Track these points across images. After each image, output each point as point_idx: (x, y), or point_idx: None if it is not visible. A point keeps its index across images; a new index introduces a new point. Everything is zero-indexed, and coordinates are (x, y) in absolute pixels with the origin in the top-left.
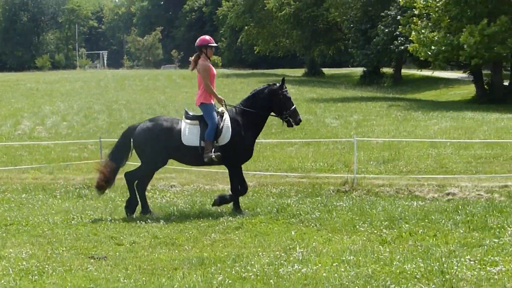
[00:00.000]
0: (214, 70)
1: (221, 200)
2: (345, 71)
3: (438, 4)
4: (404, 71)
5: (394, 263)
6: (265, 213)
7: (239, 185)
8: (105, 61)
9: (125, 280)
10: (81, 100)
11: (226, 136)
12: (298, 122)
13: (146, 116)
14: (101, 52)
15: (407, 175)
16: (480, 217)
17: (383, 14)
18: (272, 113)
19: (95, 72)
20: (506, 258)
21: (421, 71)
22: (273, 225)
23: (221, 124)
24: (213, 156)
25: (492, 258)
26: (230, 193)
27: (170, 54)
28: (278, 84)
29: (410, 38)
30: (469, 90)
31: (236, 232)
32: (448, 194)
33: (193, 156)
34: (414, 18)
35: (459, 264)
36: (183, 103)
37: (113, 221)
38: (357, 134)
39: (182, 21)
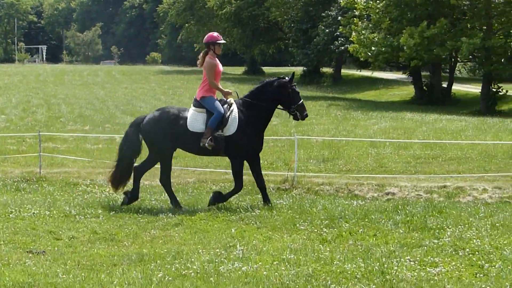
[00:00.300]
0: (221, 67)
1: (216, 198)
2: (285, 70)
3: (378, 6)
4: (344, 71)
5: (335, 262)
6: (205, 210)
7: (240, 180)
8: (44, 56)
9: (64, 276)
10: (20, 94)
11: (232, 126)
12: (304, 116)
13: (85, 111)
14: (40, 46)
15: (346, 174)
16: (419, 217)
17: (324, 14)
18: (279, 106)
19: (34, 66)
20: (446, 259)
21: (360, 71)
22: (213, 222)
23: (228, 114)
24: (207, 144)
25: (432, 259)
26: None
27: (109, 50)
28: (287, 78)
29: (351, 38)
30: (408, 91)
31: (176, 228)
32: (387, 193)
33: (197, 144)
34: (355, 19)
35: (399, 265)
36: (122, 98)
37: (51, 215)
38: (297, 132)
39: (122, 18)
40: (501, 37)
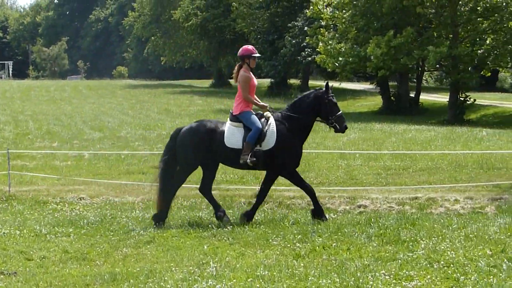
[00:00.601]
0: (255, 81)
1: (249, 217)
2: None
3: (345, 16)
4: (311, 82)
5: (309, 278)
6: (176, 226)
7: (305, 184)
8: (10, 72)
9: None
10: None
11: (270, 140)
12: (344, 128)
13: (53, 127)
14: (6, 62)
15: (317, 187)
16: (392, 230)
17: (290, 25)
18: (318, 118)
19: (0, 82)
20: (421, 272)
21: (328, 82)
22: (185, 239)
23: (266, 128)
24: (249, 160)
25: (406, 272)
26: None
27: (76, 65)
28: (323, 89)
29: (318, 49)
30: (376, 102)
31: (148, 246)
32: (359, 206)
33: (234, 159)
34: (321, 29)
35: (374, 279)
36: (90, 113)
37: (22, 235)
38: None
39: (88, 31)
40: (467, 45)
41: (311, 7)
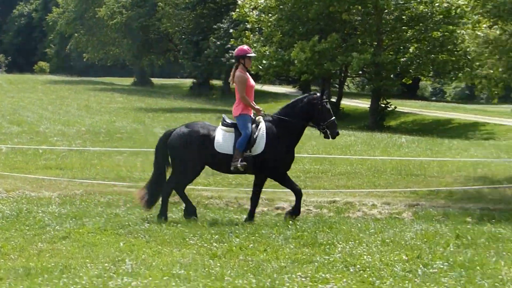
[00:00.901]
0: (252, 81)
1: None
2: (174, 81)
3: (270, 19)
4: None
5: (225, 278)
6: (93, 222)
7: (294, 186)
8: None
9: None
10: None
11: (260, 145)
12: (335, 135)
13: None
14: None
15: (236, 187)
16: (310, 232)
17: (215, 26)
18: (311, 123)
19: None
20: (337, 275)
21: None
22: (101, 235)
23: (256, 133)
24: (239, 165)
25: (323, 275)
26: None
27: None
28: (318, 94)
29: None
30: None
31: (63, 242)
32: (277, 208)
33: (225, 165)
34: (247, 31)
35: (290, 281)
36: (9, 108)
37: None
38: None
39: (10, 26)
40: (391, 53)
41: (237, 10)
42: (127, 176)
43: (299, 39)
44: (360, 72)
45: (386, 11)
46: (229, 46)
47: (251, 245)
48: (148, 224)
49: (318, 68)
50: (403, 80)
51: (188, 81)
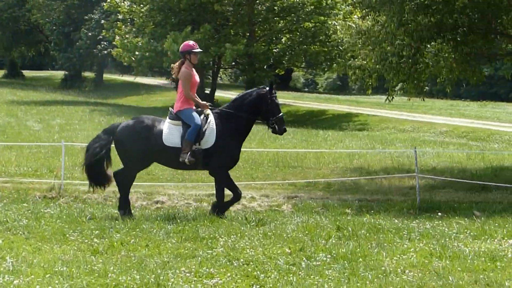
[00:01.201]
0: (197, 77)
1: (214, 209)
2: (46, 74)
3: (142, 10)
4: (106, 75)
5: (109, 274)
6: None
7: (225, 192)
8: None
9: None
10: None
11: (210, 139)
12: (282, 131)
13: None
14: None
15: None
16: (191, 227)
17: (87, 17)
18: (259, 118)
19: None
20: (221, 270)
21: (123, 76)
22: None
23: (205, 127)
24: (187, 160)
25: (207, 270)
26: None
27: None
28: (267, 88)
29: (114, 42)
30: (171, 97)
31: None
32: (156, 202)
33: (174, 158)
34: (118, 22)
35: (175, 276)
36: None
37: None
38: (61, 138)
39: None
40: (263, 44)
41: (108, 0)
42: (2, 171)
43: (172, 30)
44: (233, 63)
45: (257, 1)
46: (100, 37)
47: (133, 240)
48: (26, 220)
49: None
50: (276, 71)
51: (60, 73)
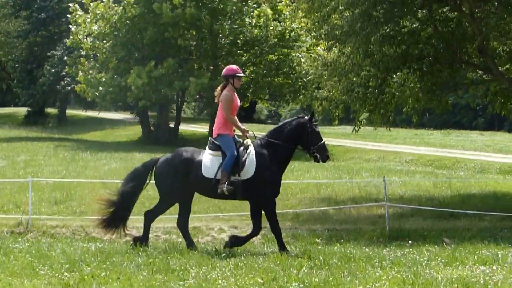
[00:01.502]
0: (238, 101)
1: (233, 242)
2: (8, 110)
3: (105, 46)
4: (70, 111)
5: None
6: None
7: (276, 222)
8: None
9: None
10: None
11: (250, 169)
12: (325, 158)
13: None
14: None
15: (81, 216)
16: (162, 259)
17: (49, 54)
18: (300, 147)
19: None
20: None
21: (86, 111)
22: None
23: (245, 157)
24: (225, 189)
25: None
26: (243, 235)
27: None
28: (307, 117)
29: (77, 78)
30: (135, 131)
31: None
32: (125, 235)
33: (213, 189)
34: (82, 58)
35: None
36: None
37: None
38: (26, 174)
39: None
40: None
41: (71, 37)
42: None
43: (135, 65)
44: (198, 96)
45: (220, 35)
46: (63, 73)
47: (103, 273)
48: None
49: (155, 94)
50: (240, 104)
51: (23, 110)
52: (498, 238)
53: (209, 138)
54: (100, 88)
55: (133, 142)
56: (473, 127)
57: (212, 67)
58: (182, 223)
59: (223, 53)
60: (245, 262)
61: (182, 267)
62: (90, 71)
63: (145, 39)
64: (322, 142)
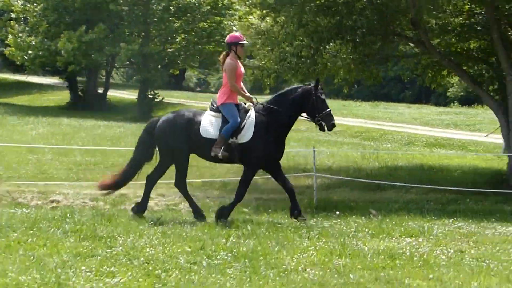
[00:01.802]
0: (242, 69)
1: (292, 210)
2: None
3: (36, 9)
4: None
5: (9, 274)
6: None
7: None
8: None
9: None
10: None
11: (247, 134)
12: (331, 126)
13: None
14: None
15: (7, 181)
16: (89, 226)
17: None
18: (304, 115)
19: None
20: (122, 269)
21: (14, 75)
22: None
23: (244, 121)
24: (220, 154)
25: (107, 268)
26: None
27: None
28: (312, 84)
29: (7, 41)
30: (63, 96)
31: None
32: (52, 201)
33: (209, 150)
34: (12, 21)
35: (75, 275)
36: None
37: None
38: None
39: None
40: (158, 44)
41: None
42: None
43: (66, 29)
44: (128, 62)
45: (153, 1)
46: None
47: (30, 239)
48: None
49: (85, 59)
50: (171, 71)
51: None
52: (424, 210)
53: (212, 99)
54: (30, 52)
55: (61, 107)
56: (401, 100)
57: (143, 33)
58: (181, 184)
59: (155, 19)
60: (173, 230)
61: (110, 235)
62: (20, 34)
63: (77, 3)
64: (329, 110)
